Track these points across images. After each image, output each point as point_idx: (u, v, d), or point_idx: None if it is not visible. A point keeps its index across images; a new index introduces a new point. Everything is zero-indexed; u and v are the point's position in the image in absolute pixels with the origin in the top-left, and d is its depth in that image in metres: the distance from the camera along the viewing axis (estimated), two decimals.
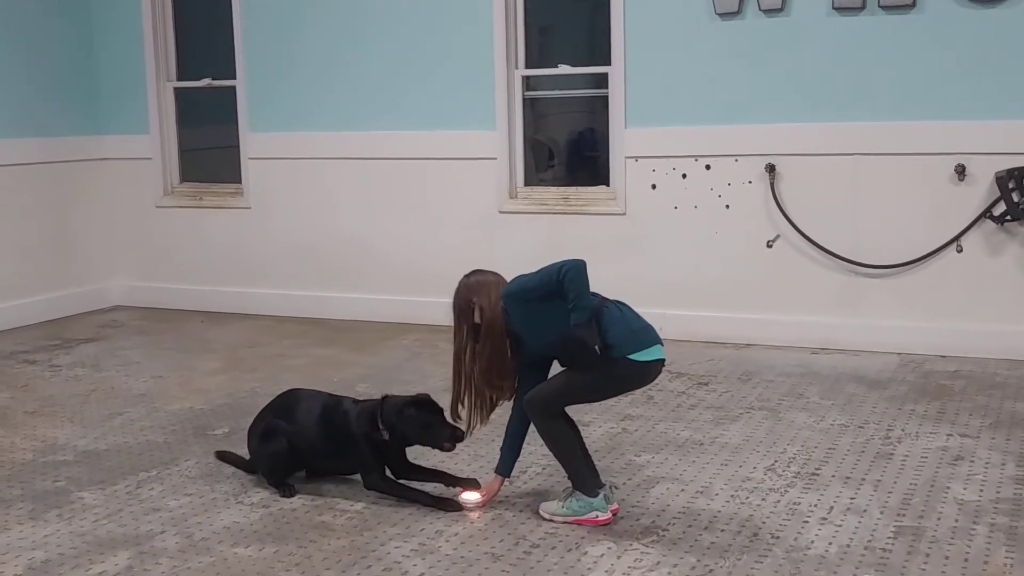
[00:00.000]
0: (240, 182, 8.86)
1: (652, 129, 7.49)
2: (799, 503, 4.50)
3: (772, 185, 7.21)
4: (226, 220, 8.90)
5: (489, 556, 4.05)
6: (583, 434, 4.51)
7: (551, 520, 4.34)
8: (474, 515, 4.44)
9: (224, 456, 5.15)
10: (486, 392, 4.38)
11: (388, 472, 4.66)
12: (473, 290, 4.34)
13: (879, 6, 6.82)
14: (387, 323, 8.23)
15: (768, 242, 7.29)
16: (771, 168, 7.19)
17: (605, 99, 7.72)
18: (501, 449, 4.56)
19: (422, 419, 4.55)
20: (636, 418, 5.73)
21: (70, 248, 9.00)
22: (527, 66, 7.92)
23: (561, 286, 4.11)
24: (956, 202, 6.82)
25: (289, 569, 3.98)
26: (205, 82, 8.97)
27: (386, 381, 6.53)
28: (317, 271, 8.61)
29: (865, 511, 4.40)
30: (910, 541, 4.10)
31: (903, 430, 5.44)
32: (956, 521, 4.28)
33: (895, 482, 4.72)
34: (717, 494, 4.62)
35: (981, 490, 4.60)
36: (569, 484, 4.42)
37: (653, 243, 7.57)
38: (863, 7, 6.86)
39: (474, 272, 4.44)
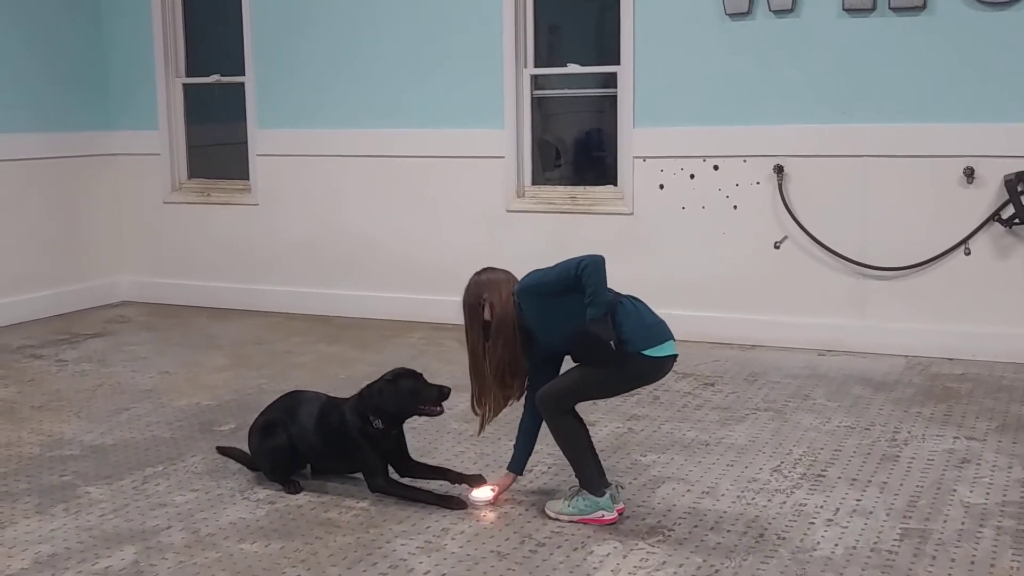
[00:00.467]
0: (248, 178, 8.87)
1: (660, 129, 7.48)
2: (805, 504, 4.50)
3: (780, 186, 7.20)
4: (234, 216, 8.91)
5: (495, 554, 4.05)
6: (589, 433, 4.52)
7: (557, 519, 4.34)
8: (484, 513, 4.43)
9: (226, 451, 5.16)
10: (498, 390, 4.36)
11: (392, 471, 4.66)
12: (483, 287, 4.34)
13: (889, 8, 6.81)
14: (393, 320, 8.23)
15: (776, 243, 7.29)
16: (779, 169, 7.19)
17: (613, 99, 7.72)
18: (514, 447, 4.55)
19: (403, 388, 4.54)
20: (642, 418, 5.73)
21: (78, 243, 9.02)
22: (536, 65, 7.92)
23: (579, 281, 4.11)
24: (964, 205, 6.81)
25: (295, 565, 3.98)
26: (214, 78, 8.98)
27: None
28: (324, 268, 8.61)
29: (871, 513, 4.39)
30: (916, 543, 4.09)
31: (909, 432, 5.43)
32: (962, 524, 4.27)
33: (901, 484, 4.71)
34: (723, 494, 4.62)
35: (987, 493, 4.60)
36: (575, 483, 4.42)
37: (660, 243, 7.56)
38: (873, 8, 6.85)
39: (484, 270, 4.44)
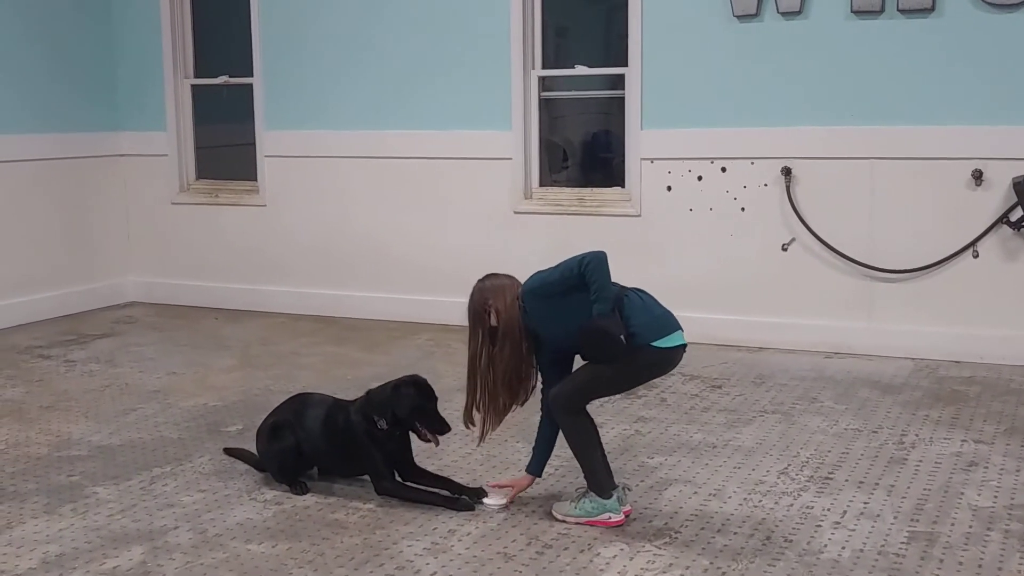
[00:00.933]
0: (256, 180, 8.88)
1: (668, 131, 7.48)
2: (812, 507, 4.49)
3: (788, 188, 7.20)
4: (241, 217, 8.93)
5: (502, 556, 4.05)
6: None
7: (564, 521, 4.34)
8: (491, 514, 4.43)
9: (233, 452, 5.17)
10: (502, 398, 4.36)
11: (396, 475, 4.66)
12: (488, 293, 4.34)
13: (897, 10, 6.80)
14: (400, 322, 8.24)
15: (783, 245, 7.28)
16: (787, 171, 7.18)
17: (620, 100, 7.72)
18: (533, 448, 4.54)
19: (417, 400, 4.53)
20: (649, 420, 5.73)
21: (86, 244, 9.04)
22: (543, 67, 7.92)
23: (583, 278, 4.12)
24: (973, 207, 6.80)
25: (302, 566, 3.99)
26: (222, 79, 9.00)
27: None
28: (331, 269, 8.62)
29: (879, 516, 4.39)
30: (923, 546, 4.09)
31: (917, 435, 5.42)
32: (970, 527, 4.26)
33: (909, 487, 4.71)
34: (730, 497, 4.62)
35: (995, 496, 4.59)
36: (582, 485, 4.42)
37: (668, 245, 7.56)
38: (882, 10, 6.84)
39: (488, 276, 4.44)
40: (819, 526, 4.29)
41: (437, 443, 4.59)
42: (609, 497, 4.29)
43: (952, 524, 4.29)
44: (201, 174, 9.24)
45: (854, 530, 4.25)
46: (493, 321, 4.29)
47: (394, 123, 8.26)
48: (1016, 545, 4.09)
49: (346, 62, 8.36)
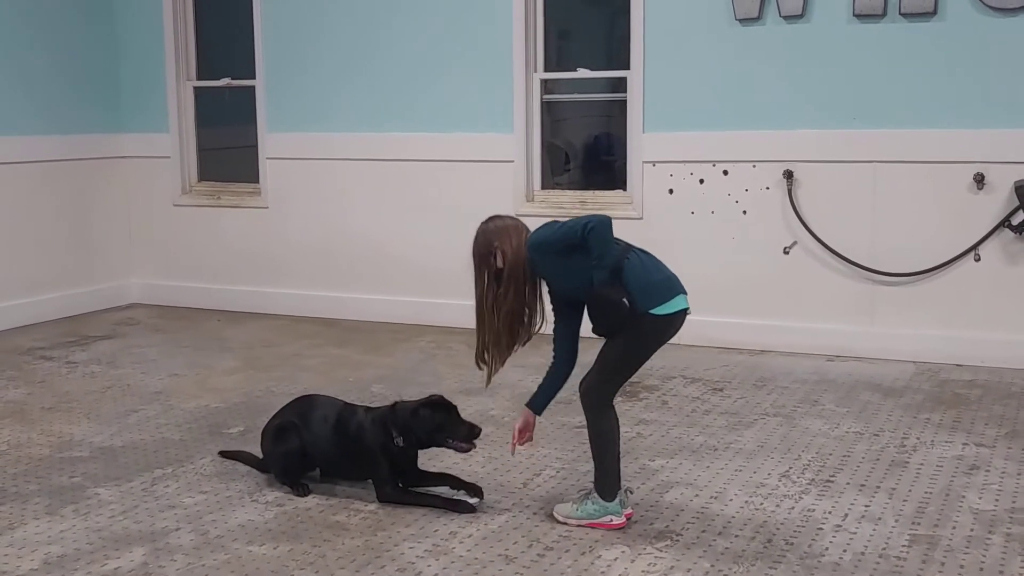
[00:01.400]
0: (258, 182, 8.89)
1: (670, 134, 7.49)
2: (813, 510, 4.49)
3: (790, 191, 7.20)
4: (243, 219, 8.93)
5: (503, 558, 4.05)
6: None
7: (565, 523, 4.34)
8: (493, 516, 4.43)
9: (229, 455, 5.18)
10: (504, 338, 4.30)
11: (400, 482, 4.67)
12: (494, 235, 4.29)
13: (900, 13, 6.80)
14: (402, 324, 8.24)
15: (785, 248, 7.28)
16: (789, 174, 7.18)
17: (623, 103, 7.72)
18: (539, 387, 4.45)
19: (436, 419, 4.54)
20: (650, 423, 5.73)
21: (88, 245, 9.05)
22: (546, 69, 7.93)
23: (585, 243, 4.09)
24: (974, 211, 6.80)
25: (303, 568, 3.99)
26: (225, 82, 9.01)
27: (401, 382, 6.54)
28: (333, 271, 8.63)
29: (880, 519, 4.39)
30: (925, 549, 4.09)
31: (918, 438, 5.42)
32: (971, 530, 4.26)
33: (910, 490, 4.71)
34: (731, 499, 4.62)
35: (997, 500, 4.59)
36: (585, 488, 4.42)
37: (669, 248, 7.44)
38: (884, 14, 6.84)
39: (493, 217, 4.40)
40: (820, 529, 4.29)
41: (474, 448, 4.58)
42: (612, 500, 4.29)
43: (953, 527, 4.29)
44: (203, 176, 9.25)
45: (855, 533, 4.25)
46: (499, 263, 4.25)
47: (396, 126, 8.27)
48: (1017, 549, 4.09)
49: (349, 65, 8.37)
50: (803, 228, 7.19)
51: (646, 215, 7.59)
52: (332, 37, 8.39)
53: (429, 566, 3.99)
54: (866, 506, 4.52)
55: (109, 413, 6.06)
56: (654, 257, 4.29)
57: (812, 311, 7.24)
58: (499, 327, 4.28)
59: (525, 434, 4.50)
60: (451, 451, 4.63)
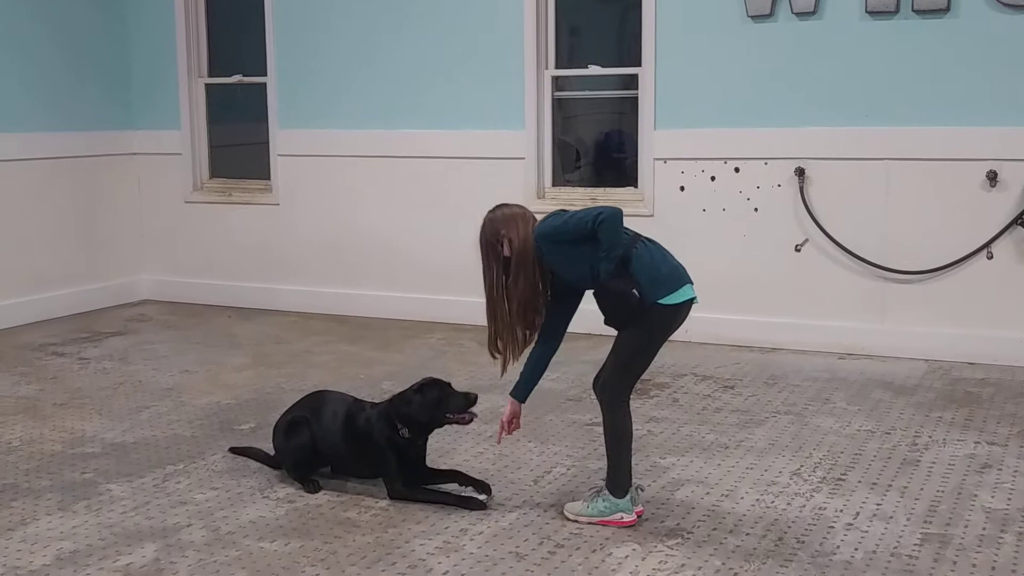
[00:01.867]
0: (269, 178, 8.90)
1: (681, 131, 7.47)
2: (825, 508, 4.48)
3: (802, 189, 7.18)
4: (254, 216, 8.95)
5: (514, 555, 4.05)
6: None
7: (576, 521, 4.34)
8: (508, 513, 4.43)
9: (239, 451, 5.19)
10: (518, 330, 4.28)
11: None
12: (500, 223, 4.26)
13: (912, 10, 6.78)
14: (412, 321, 8.24)
15: (797, 246, 7.27)
16: (801, 172, 7.17)
17: (633, 100, 7.71)
18: (520, 375, 4.43)
19: (431, 398, 4.54)
20: (661, 420, 5.72)
21: (99, 242, 9.07)
22: (557, 66, 7.92)
23: (595, 234, 4.07)
24: (987, 209, 6.78)
25: (314, 564, 3.99)
26: (236, 78, 9.02)
27: (411, 379, 6.45)
28: (344, 268, 8.64)
29: (891, 518, 4.37)
30: (937, 548, 4.07)
31: (930, 437, 5.40)
32: (983, 529, 4.25)
33: (922, 489, 4.69)
34: (742, 497, 4.61)
35: (1009, 498, 4.57)
36: (595, 485, 4.41)
37: (681, 245, 7.38)
38: (896, 11, 6.82)
39: (499, 206, 4.37)
40: (832, 527, 4.28)
41: (475, 416, 4.56)
42: (623, 497, 4.29)
43: (965, 526, 4.28)
44: (215, 173, 9.27)
45: (867, 531, 4.24)
46: (506, 252, 4.23)
47: (407, 122, 8.27)
48: None
49: (360, 62, 8.37)
50: (815, 225, 7.17)
51: (657, 212, 7.58)
52: (343, 34, 8.39)
53: (440, 563, 3.99)
54: (878, 504, 4.51)
55: (121, 409, 6.07)
56: (661, 246, 4.29)
57: (824, 309, 7.22)
58: (511, 317, 4.26)
59: (512, 424, 4.51)
60: (463, 450, 4.64)
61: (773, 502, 4.55)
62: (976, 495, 4.61)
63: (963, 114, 6.77)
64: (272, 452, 4.98)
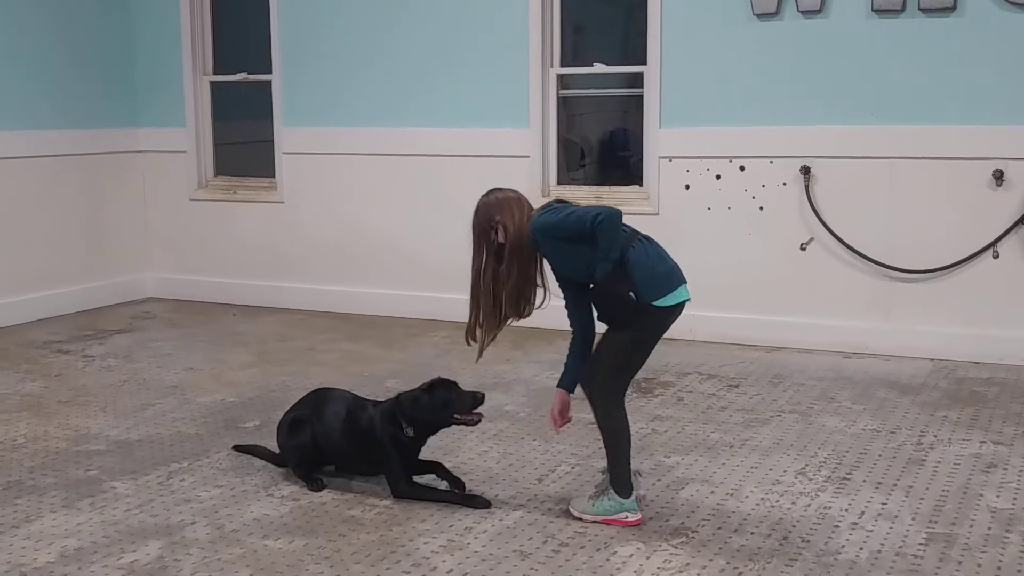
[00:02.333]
0: (274, 176, 8.90)
1: (686, 129, 7.46)
2: (830, 507, 4.47)
3: (807, 187, 7.17)
4: (259, 214, 8.95)
5: (518, 554, 4.05)
6: None
7: (580, 519, 4.33)
8: (513, 512, 4.43)
9: (243, 449, 5.18)
10: (503, 311, 4.24)
11: None
12: (495, 209, 4.22)
13: (919, 9, 6.76)
14: (417, 319, 8.24)
15: (802, 245, 7.25)
16: (806, 170, 7.15)
17: (639, 99, 7.70)
18: (565, 365, 4.39)
19: (438, 399, 4.53)
20: (666, 419, 5.71)
21: (104, 239, 9.07)
22: (562, 64, 7.91)
23: (593, 235, 4.03)
24: (993, 207, 6.76)
25: (318, 562, 3.99)
26: (241, 76, 9.02)
27: (416, 377, 6.49)
28: (348, 266, 8.63)
29: (896, 517, 4.36)
30: (942, 548, 4.06)
31: (935, 436, 5.39)
32: (989, 529, 4.24)
33: (927, 488, 4.68)
34: (747, 496, 4.60)
35: (1014, 498, 4.56)
36: (600, 482, 4.40)
37: (686, 244, 7.47)
38: (903, 9, 6.80)
39: (493, 190, 4.33)
40: (837, 527, 4.27)
41: (481, 417, 4.56)
42: (628, 496, 4.28)
43: (971, 526, 4.27)
44: (219, 171, 9.27)
45: (872, 531, 4.23)
46: (500, 238, 4.19)
47: (412, 120, 8.26)
48: None
49: (365, 59, 8.37)
50: (820, 224, 7.16)
51: (662, 211, 7.57)
52: (348, 32, 8.39)
53: (444, 561, 3.99)
54: (883, 504, 4.50)
55: (125, 407, 6.07)
56: (657, 244, 4.23)
57: (829, 307, 7.21)
58: (499, 304, 4.22)
59: (565, 415, 4.47)
60: (467, 448, 4.63)
61: (778, 501, 4.54)
62: (981, 495, 4.60)
63: (969, 113, 6.75)
64: (277, 450, 4.97)
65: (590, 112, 8.45)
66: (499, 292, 4.22)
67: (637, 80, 7.72)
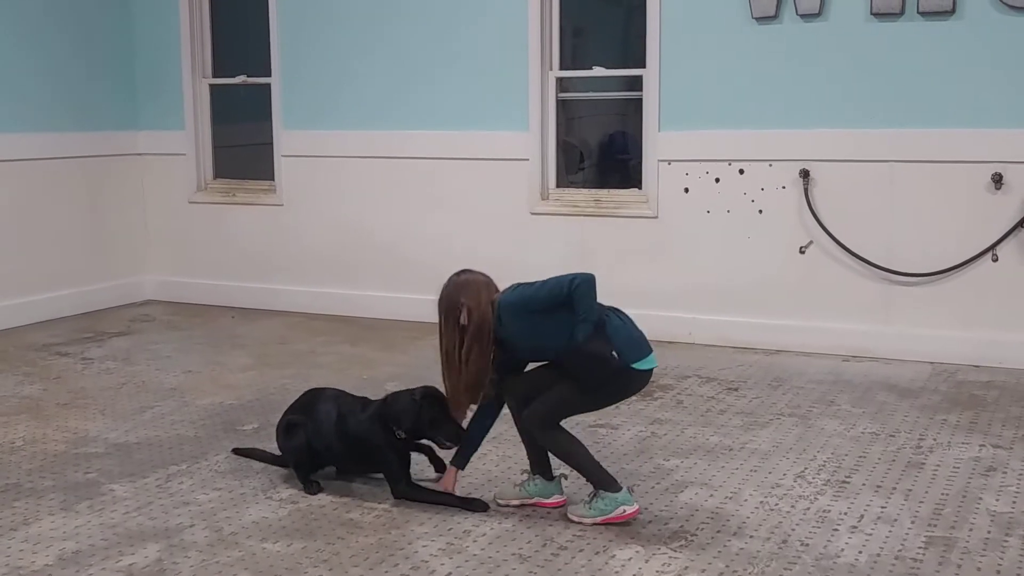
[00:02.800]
0: (273, 179, 8.90)
1: (686, 132, 7.46)
2: (829, 511, 4.47)
3: (806, 191, 7.17)
4: (258, 217, 8.95)
5: (517, 557, 4.04)
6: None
7: (580, 523, 4.33)
8: (512, 515, 4.42)
9: (242, 452, 5.18)
10: (463, 397, 4.35)
11: None
12: (461, 290, 4.30)
13: (918, 12, 6.77)
14: (416, 322, 8.21)
15: (801, 248, 7.25)
16: (805, 173, 7.16)
17: (638, 102, 7.70)
18: (461, 445, 4.54)
19: (432, 413, 4.55)
20: (665, 422, 5.71)
21: (103, 242, 9.07)
22: (561, 67, 7.91)
23: (571, 300, 4.11)
24: (992, 211, 6.76)
25: (317, 565, 3.99)
26: (240, 79, 9.02)
27: (415, 380, 6.47)
28: (348, 269, 8.63)
29: (896, 520, 4.36)
30: (941, 551, 4.06)
31: (935, 440, 5.39)
32: (988, 532, 4.24)
33: (926, 492, 4.68)
34: (746, 500, 4.60)
35: (1014, 502, 4.56)
36: (591, 487, 4.40)
37: (685, 247, 7.54)
38: (902, 13, 6.81)
39: (463, 271, 4.41)
40: (836, 530, 4.27)
41: (451, 447, 4.62)
42: (619, 490, 4.29)
43: (970, 529, 4.27)
44: (219, 173, 9.27)
45: (871, 535, 4.23)
46: (463, 320, 4.24)
47: (412, 123, 8.26)
48: None
49: (364, 62, 8.37)
50: (819, 227, 7.16)
51: (661, 214, 7.57)
52: (347, 35, 8.39)
53: (443, 564, 3.98)
54: (882, 507, 4.50)
55: (124, 409, 6.07)
56: (627, 315, 4.35)
57: (828, 311, 7.21)
58: (459, 387, 4.31)
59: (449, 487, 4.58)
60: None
61: (777, 504, 4.54)
62: (981, 498, 4.60)
63: (968, 116, 6.75)
64: (277, 452, 4.97)
65: (589, 115, 8.45)
66: (461, 374, 4.28)
67: (636, 83, 7.72)
